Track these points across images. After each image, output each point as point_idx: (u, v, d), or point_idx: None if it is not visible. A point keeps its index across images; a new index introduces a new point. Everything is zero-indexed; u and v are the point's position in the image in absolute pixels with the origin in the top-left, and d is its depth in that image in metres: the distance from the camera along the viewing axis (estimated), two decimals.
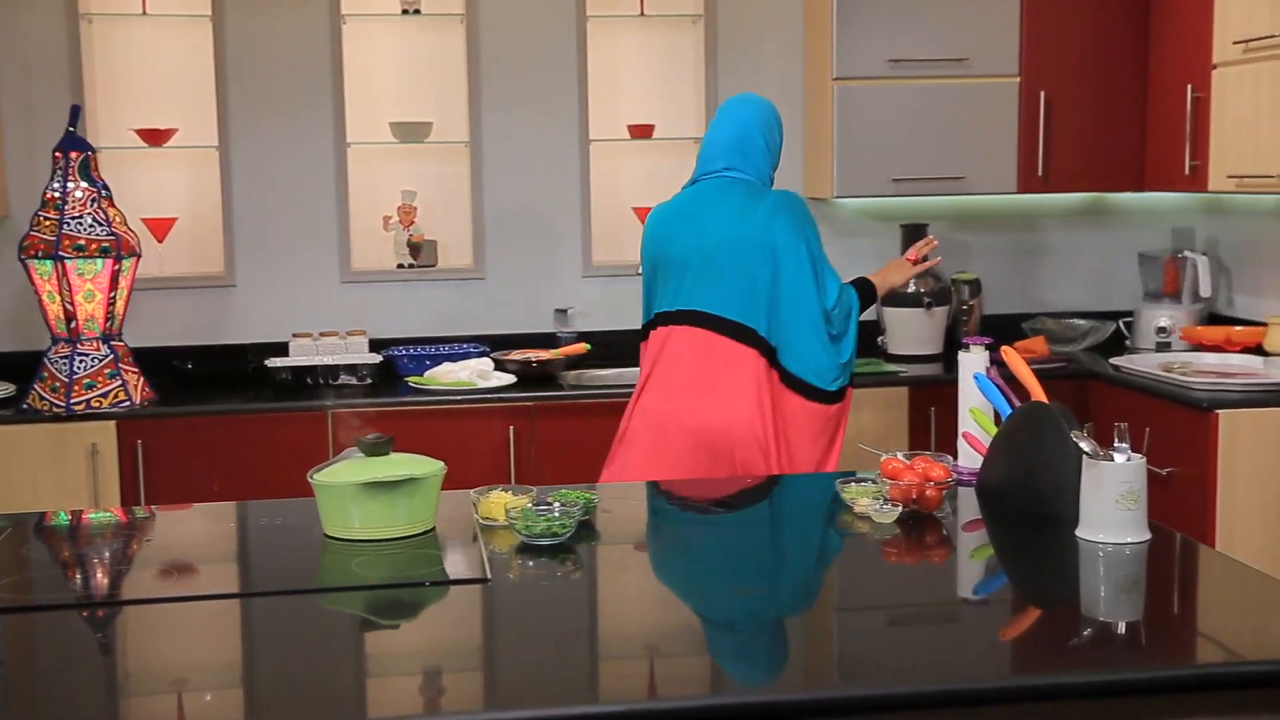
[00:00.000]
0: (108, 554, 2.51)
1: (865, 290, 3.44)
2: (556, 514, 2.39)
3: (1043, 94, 4.51)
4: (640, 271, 3.48)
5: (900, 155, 4.51)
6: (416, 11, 4.57)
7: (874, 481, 2.58)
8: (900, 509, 2.47)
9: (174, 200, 4.59)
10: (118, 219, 4.06)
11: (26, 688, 1.88)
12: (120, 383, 4.01)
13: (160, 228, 4.50)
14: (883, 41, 4.45)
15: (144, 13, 4.45)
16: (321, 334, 4.47)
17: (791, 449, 3.29)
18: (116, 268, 3.99)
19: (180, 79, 4.55)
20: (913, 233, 4.66)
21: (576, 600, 2.21)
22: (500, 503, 2.48)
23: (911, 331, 4.60)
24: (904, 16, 4.45)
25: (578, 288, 4.75)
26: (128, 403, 4.01)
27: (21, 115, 4.42)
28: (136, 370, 4.11)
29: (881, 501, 2.49)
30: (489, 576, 2.20)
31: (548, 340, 4.65)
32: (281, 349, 4.43)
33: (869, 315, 4.75)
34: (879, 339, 4.70)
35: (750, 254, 3.25)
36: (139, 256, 4.10)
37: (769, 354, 3.27)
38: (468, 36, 4.60)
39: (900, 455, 2.59)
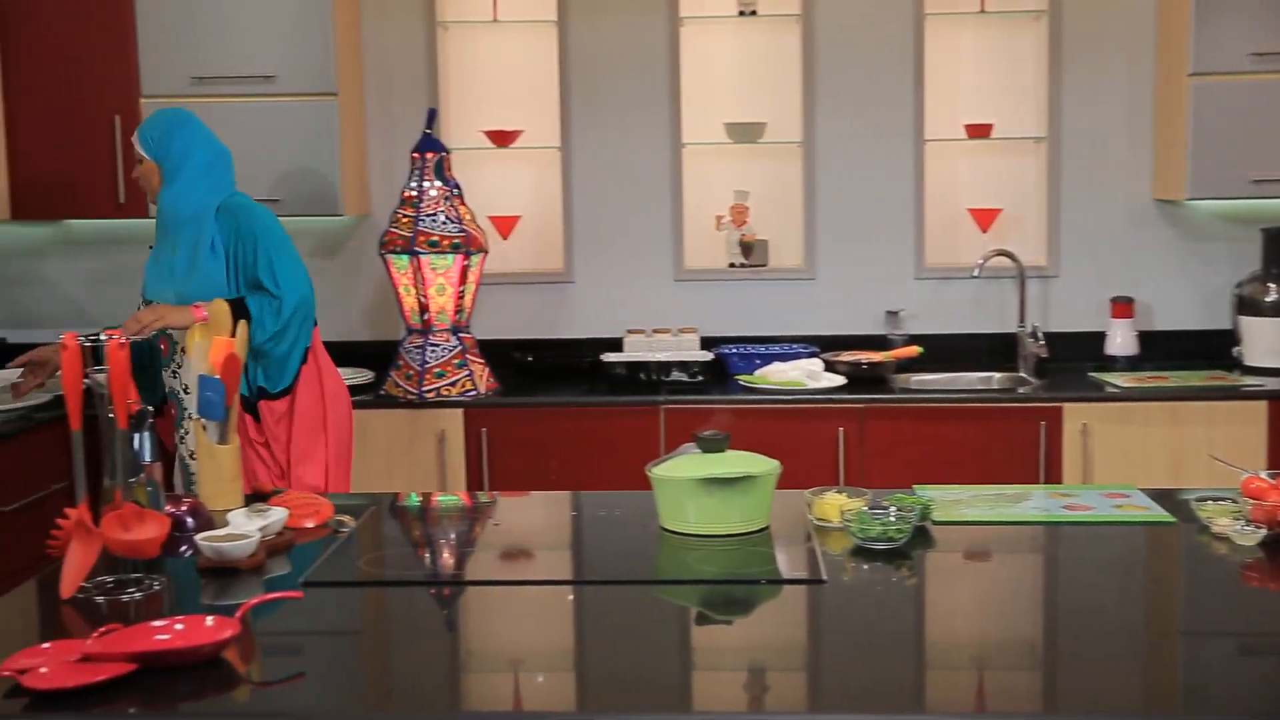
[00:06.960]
0: (454, 535, 2.64)
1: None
2: (893, 518, 2.36)
3: None
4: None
5: (1262, 154, 4.22)
6: (753, 12, 4.59)
7: (1234, 501, 2.43)
8: (1264, 532, 2.31)
9: (518, 199, 4.77)
10: (467, 217, 4.25)
11: (379, 657, 1.99)
12: (467, 372, 4.20)
13: (505, 225, 4.68)
14: (1245, 34, 4.18)
15: (495, 19, 4.64)
16: (654, 330, 4.55)
17: None
18: (466, 263, 4.18)
19: (526, 82, 4.72)
20: (1274, 238, 4.36)
21: (909, 607, 2.17)
22: (835, 504, 2.46)
23: (1271, 342, 4.30)
24: (1268, 6, 4.16)
25: (909, 289, 4.67)
26: (474, 392, 4.19)
27: (383, 119, 4.69)
28: (482, 361, 4.29)
29: (1243, 523, 2.34)
30: (825, 578, 2.19)
31: (877, 342, 4.59)
32: (616, 344, 4.54)
33: (1224, 324, 4.50)
34: (1234, 350, 4.42)
35: None
36: (486, 253, 4.28)
37: None
38: (803, 37, 4.59)
39: (1264, 474, 2.42)
